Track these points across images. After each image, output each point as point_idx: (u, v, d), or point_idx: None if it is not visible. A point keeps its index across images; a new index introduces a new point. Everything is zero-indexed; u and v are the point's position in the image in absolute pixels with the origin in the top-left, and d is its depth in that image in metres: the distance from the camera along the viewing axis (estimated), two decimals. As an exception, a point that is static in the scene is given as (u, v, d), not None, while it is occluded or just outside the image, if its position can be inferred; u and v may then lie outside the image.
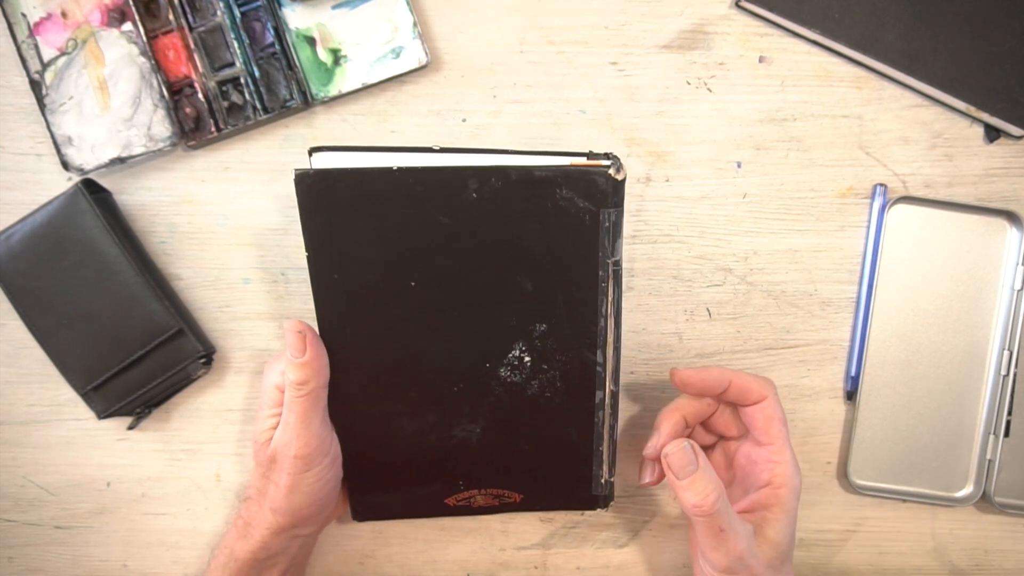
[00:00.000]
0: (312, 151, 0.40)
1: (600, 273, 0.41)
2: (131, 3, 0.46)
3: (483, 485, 0.45)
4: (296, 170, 0.38)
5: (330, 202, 0.38)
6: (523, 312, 0.41)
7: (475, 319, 0.41)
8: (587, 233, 0.40)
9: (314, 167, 0.39)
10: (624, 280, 0.50)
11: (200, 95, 0.47)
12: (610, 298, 0.41)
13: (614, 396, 0.44)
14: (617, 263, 0.41)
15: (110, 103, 0.46)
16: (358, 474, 0.45)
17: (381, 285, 0.40)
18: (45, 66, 0.46)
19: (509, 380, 0.43)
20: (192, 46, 0.47)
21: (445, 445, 0.44)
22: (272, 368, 0.42)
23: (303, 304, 0.49)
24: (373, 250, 0.40)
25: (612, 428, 0.44)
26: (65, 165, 0.46)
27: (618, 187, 0.39)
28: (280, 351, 0.48)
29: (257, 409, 0.43)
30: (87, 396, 0.47)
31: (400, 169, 0.38)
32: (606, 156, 0.39)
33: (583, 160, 0.39)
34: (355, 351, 0.41)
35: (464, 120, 0.49)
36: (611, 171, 0.38)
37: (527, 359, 0.42)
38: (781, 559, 0.42)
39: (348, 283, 0.40)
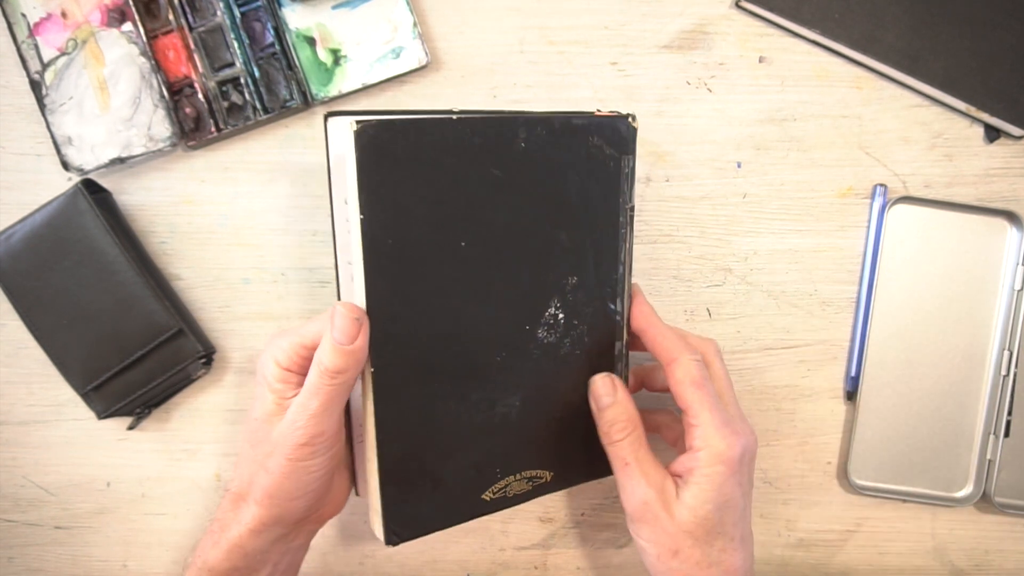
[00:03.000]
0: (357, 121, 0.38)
1: (620, 219, 0.42)
2: (131, 3, 0.46)
3: (518, 468, 0.43)
4: (356, 121, 0.34)
5: (390, 156, 0.35)
6: (559, 266, 0.41)
7: (518, 278, 0.40)
8: (611, 179, 0.41)
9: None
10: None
11: (200, 95, 0.47)
12: (627, 245, 0.42)
13: (628, 346, 0.44)
14: (632, 208, 0.42)
15: (110, 103, 0.46)
16: (398, 481, 0.39)
17: (433, 248, 0.37)
18: (45, 66, 0.46)
19: (546, 341, 0.41)
20: (192, 46, 0.47)
21: (487, 426, 0.41)
22: (274, 343, 0.39)
23: (303, 304, 0.49)
24: (428, 209, 0.37)
25: (626, 380, 0.44)
26: (65, 165, 0.46)
27: (634, 135, 0.42)
28: (281, 329, 0.46)
29: (254, 386, 0.40)
30: (87, 396, 0.47)
31: (460, 118, 0.36)
32: (614, 112, 0.41)
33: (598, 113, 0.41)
34: (403, 327, 0.38)
35: (464, 120, 0.49)
36: (630, 119, 0.41)
37: (561, 316, 0.41)
38: (706, 531, 0.38)
39: (402, 248, 0.36)
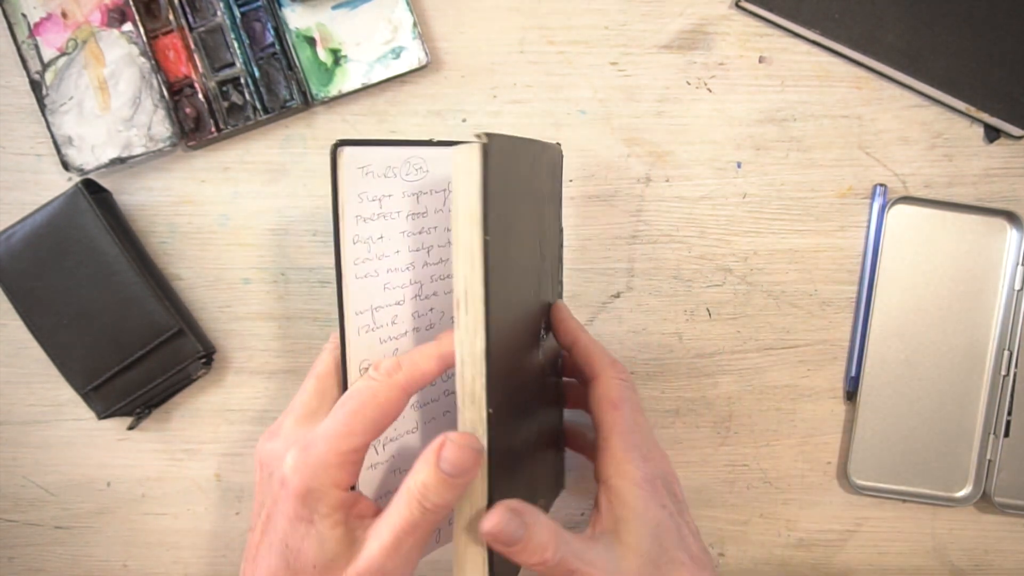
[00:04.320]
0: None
1: (560, 240, 0.44)
2: (131, 3, 0.46)
3: (535, 498, 0.38)
4: (486, 135, 0.31)
5: (500, 174, 0.32)
6: (545, 286, 0.41)
7: (533, 300, 0.38)
8: (556, 202, 0.43)
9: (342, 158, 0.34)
10: (624, 280, 0.50)
11: (200, 95, 0.47)
12: (561, 265, 0.45)
13: (562, 366, 0.45)
14: (561, 230, 0.45)
15: (110, 103, 0.46)
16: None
17: (509, 270, 0.33)
18: (45, 66, 0.46)
19: (539, 361, 0.39)
20: (192, 46, 0.47)
21: (525, 458, 0.37)
22: (315, 457, 0.32)
23: (303, 304, 0.49)
24: (508, 229, 0.33)
25: (562, 402, 0.44)
26: (65, 165, 0.46)
27: (563, 160, 0.45)
28: (293, 436, 0.35)
29: (287, 526, 0.32)
30: (87, 396, 0.47)
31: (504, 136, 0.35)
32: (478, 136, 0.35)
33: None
34: (502, 357, 0.32)
35: (464, 120, 0.49)
36: (560, 147, 0.44)
37: (544, 335, 0.41)
38: (654, 566, 0.35)
39: (507, 270, 0.33)
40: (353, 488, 0.33)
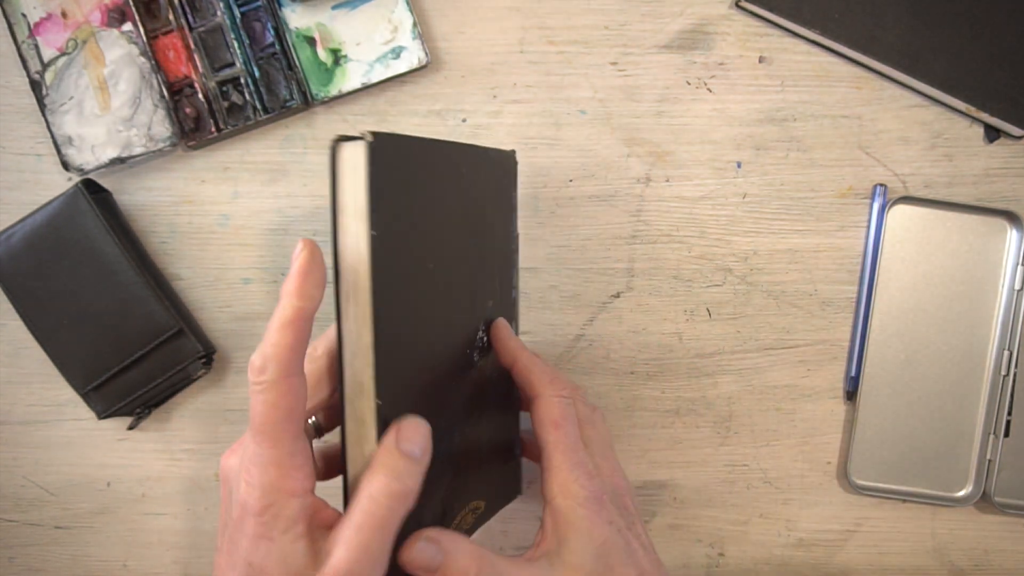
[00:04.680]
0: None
1: (512, 246, 0.43)
2: (131, 3, 0.46)
3: (468, 499, 0.40)
4: (371, 133, 0.31)
5: (399, 172, 0.33)
6: (483, 289, 0.40)
7: (463, 301, 0.39)
8: (506, 208, 0.43)
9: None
10: (624, 280, 0.50)
11: (200, 95, 0.47)
12: (517, 270, 0.44)
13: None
14: (517, 236, 0.44)
15: (110, 103, 0.46)
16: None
17: (414, 269, 0.34)
18: (45, 66, 0.46)
19: (478, 365, 0.39)
20: (192, 46, 0.47)
21: (448, 456, 0.38)
22: (273, 475, 0.30)
23: (303, 304, 0.49)
24: (414, 227, 0.34)
25: (520, 400, 0.44)
26: (65, 165, 0.46)
27: (516, 169, 0.44)
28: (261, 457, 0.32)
29: (244, 542, 0.30)
30: (87, 396, 0.47)
31: (433, 140, 0.37)
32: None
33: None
34: (399, 353, 0.33)
35: (464, 120, 0.49)
36: (515, 155, 0.44)
37: (485, 338, 0.40)
38: None
39: (400, 269, 0.33)
40: (335, 490, 0.33)
